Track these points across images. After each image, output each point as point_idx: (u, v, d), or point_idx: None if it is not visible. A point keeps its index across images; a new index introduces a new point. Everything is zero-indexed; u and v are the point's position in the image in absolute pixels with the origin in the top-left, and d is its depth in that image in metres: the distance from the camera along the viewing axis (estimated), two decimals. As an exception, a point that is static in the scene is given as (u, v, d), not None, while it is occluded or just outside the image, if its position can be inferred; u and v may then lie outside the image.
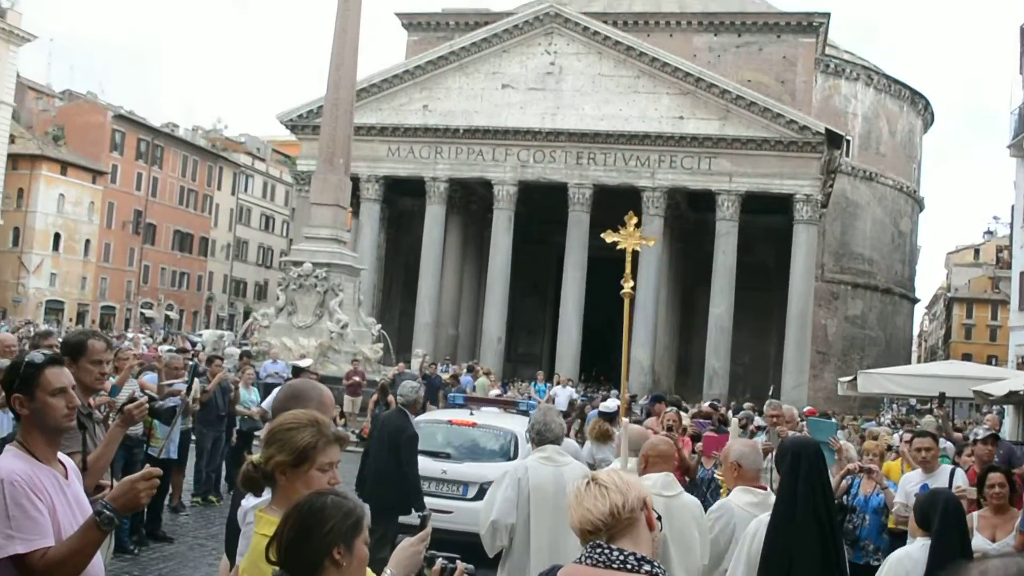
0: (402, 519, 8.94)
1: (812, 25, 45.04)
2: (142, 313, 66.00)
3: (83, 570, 3.25)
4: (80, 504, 3.44)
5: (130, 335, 35.09)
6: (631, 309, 6.84)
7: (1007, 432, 20.11)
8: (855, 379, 23.01)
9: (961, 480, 7.93)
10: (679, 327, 42.94)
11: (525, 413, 11.72)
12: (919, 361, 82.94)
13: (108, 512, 3.21)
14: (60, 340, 7.97)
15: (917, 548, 5.05)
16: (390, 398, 17.59)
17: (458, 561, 3.02)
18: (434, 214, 40.43)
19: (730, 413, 17.09)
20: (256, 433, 13.70)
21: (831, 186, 43.58)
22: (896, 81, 57.40)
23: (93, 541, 3.23)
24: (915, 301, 64.90)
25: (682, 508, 5.22)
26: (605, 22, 41.26)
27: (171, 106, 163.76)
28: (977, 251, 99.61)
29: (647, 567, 2.69)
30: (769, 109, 37.25)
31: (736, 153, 37.44)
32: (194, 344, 31.62)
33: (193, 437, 12.68)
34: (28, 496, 3.17)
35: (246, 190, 79.53)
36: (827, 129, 37.34)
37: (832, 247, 52.37)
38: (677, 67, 38.35)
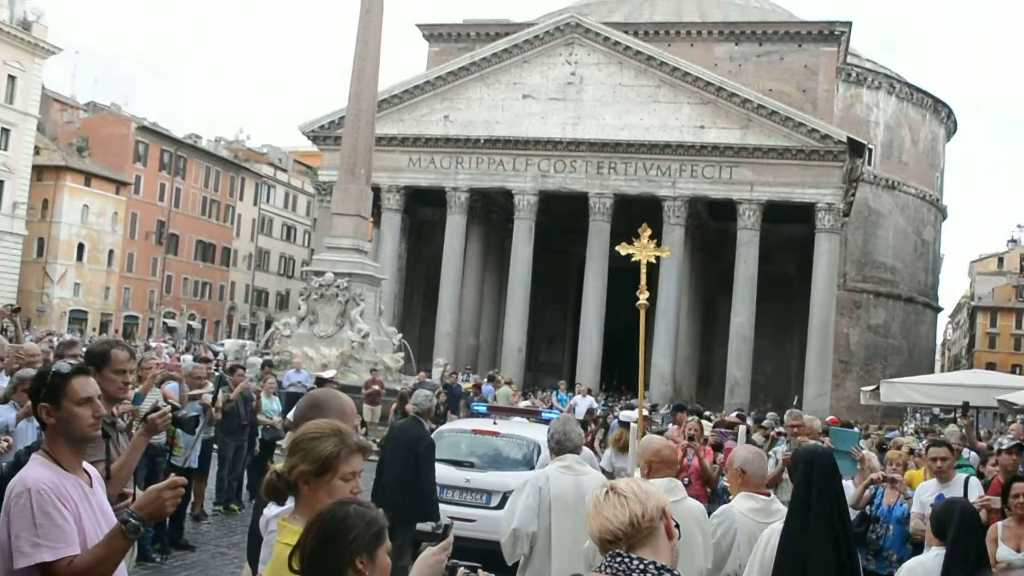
0: (418, 526, 8.92)
1: (834, 34, 44.89)
2: (165, 323, 66.33)
3: (108, 578, 3.28)
4: (104, 512, 3.47)
5: (153, 344, 35.27)
6: (647, 320, 6.85)
7: (1032, 442, 19.89)
8: (878, 388, 22.79)
9: (976, 489, 7.86)
10: (700, 336, 42.77)
11: (546, 423, 11.72)
12: (942, 370, 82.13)
13: (134, 520, 3.25)
14: (84, 350, 8.03)
15: (931, 557, 5.04)
16: (408, 407, 17.62)
17: (480, 570, 3.02)
18: (455, 224, 40.51)
19: (751, 422, 17.02)
20: (278, 442, 13.77)
21: (853, 195, 43.37)
22: (918, 89, 57.11)
23: (119, 549, 3.26)
24: (938, 310, 64.43)
25: (685, 513, 5.22)
26: (626, 32, 41.31)
27: (194, 117, 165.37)
28: (1001, 260, 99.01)
29: (667, 576, 2.69)
30: (791, 118, 37.12)
31: (757, 162, 37.32)
32: (216, 353, 31.76)
33: (215, 446, 12.75)
34: (55, 504, 3.20)
35: (268, 200, 79.97)
36: (849, 138, 37.18)
37: (854, 256, 52.08)
38: (698, 76, 38.31)
